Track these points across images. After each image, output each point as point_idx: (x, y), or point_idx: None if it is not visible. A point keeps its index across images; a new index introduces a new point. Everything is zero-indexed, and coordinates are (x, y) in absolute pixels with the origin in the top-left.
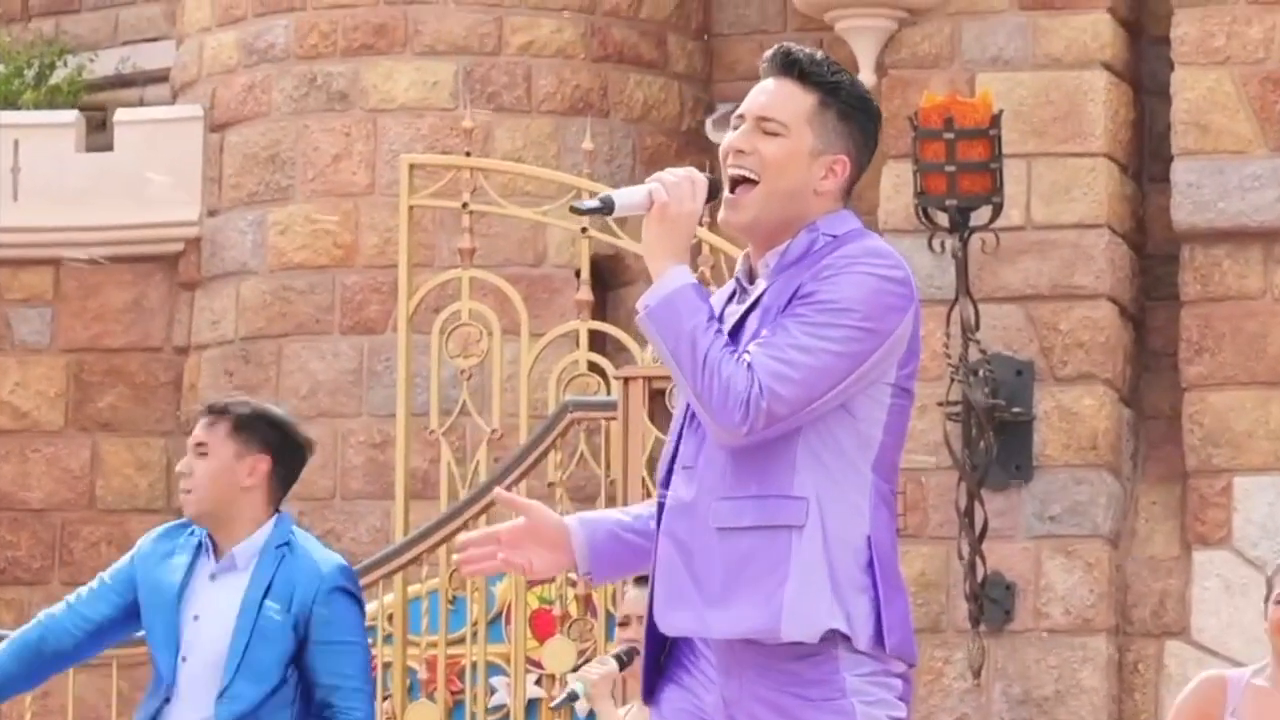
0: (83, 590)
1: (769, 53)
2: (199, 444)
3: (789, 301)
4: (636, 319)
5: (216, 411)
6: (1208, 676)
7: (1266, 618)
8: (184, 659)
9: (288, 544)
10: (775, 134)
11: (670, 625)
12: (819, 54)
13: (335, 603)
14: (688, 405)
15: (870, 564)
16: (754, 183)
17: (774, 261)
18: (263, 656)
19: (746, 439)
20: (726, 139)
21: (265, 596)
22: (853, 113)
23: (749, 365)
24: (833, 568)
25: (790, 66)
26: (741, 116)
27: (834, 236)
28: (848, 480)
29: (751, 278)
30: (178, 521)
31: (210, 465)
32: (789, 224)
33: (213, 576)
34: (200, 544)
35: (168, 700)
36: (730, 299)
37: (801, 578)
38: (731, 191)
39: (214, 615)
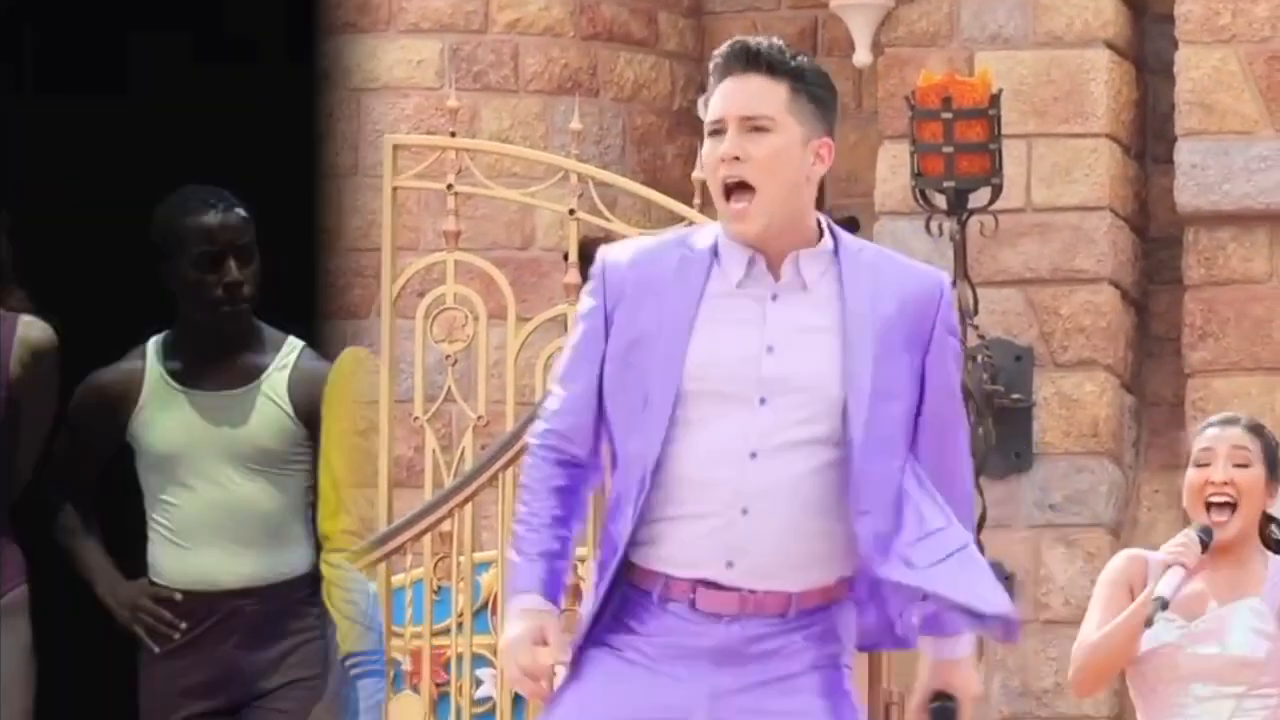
0: None
1: (725, 50)
2: None
3: (925, 350)
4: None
5: None
6: (1129, 554)
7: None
8: None
9: None
10: (765, 130)
11: (887, 571)
12: (775, 41)
13: None
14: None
15: None
16: (751, 189)
17: (810, 262)
18: None
19: None
20: (708, 150)
21: None
22: (821, 92)
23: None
24: None
25: (756, 60)
26: (719, 122)
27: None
28: None
29: (775, 276)
30: None
31: None
32: (793, 218)
33: None
34: None
35: None
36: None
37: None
38: (727, 198)
39: None
